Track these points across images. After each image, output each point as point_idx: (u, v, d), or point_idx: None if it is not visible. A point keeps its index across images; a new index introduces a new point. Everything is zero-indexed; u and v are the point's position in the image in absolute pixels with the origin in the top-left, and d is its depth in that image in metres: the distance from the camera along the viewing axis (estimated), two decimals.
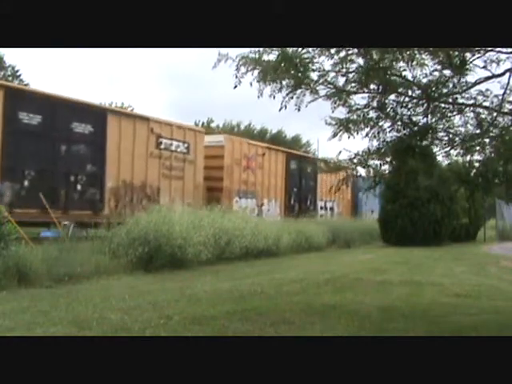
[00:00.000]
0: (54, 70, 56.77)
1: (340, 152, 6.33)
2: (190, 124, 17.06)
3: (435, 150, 6.42)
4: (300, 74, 5.35)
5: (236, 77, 5.24)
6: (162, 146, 14.91)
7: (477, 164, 6.21)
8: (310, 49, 5.23)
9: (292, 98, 5.50)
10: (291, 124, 58.74)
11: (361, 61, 5.44)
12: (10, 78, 31.21)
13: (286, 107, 5.50)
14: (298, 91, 5.51)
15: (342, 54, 5.29)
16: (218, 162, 17.38)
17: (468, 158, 6.28)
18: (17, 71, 33.23)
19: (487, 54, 5.35)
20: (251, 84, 5.31)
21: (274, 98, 5.41)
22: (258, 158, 19.15)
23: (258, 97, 5.37)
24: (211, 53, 5.28)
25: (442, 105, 6.10)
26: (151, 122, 14.60)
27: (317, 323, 5.84)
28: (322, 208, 23.76)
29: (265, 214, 19.20)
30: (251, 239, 12.89)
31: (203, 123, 43.68)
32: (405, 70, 5.62)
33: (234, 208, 16.41)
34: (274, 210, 19.85)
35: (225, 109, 57.19)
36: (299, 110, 5.59)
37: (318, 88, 5.60)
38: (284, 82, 5.37)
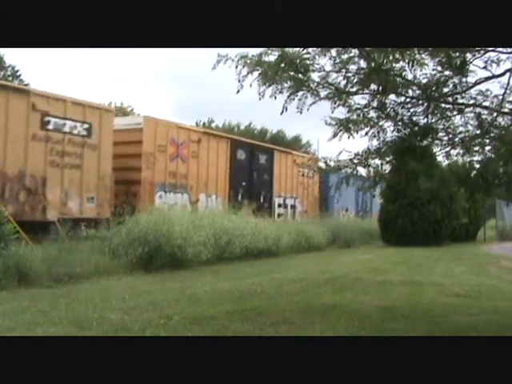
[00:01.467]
0: (53, 70, 56.78)
1: (340, 152, 6.33)
2: (94, 101, 13.45)
3: (435, 150, 6.42)
4: (301, 75, 5.35)
5: (238, 81, 5.24)
6: (50, 127, 11.76)
7: (477, 165, 6.20)
8: (311, 49, 5.23)
9: (293, 99, 5.50)
10: (295, 124, 58.78)
11: (362, 62, 5.44)
12: (10, 78, 31.22)
13: (286, 109, 5.50)
14: (300, 93, 5.51)
15: (344, 56, 5.29)
16: (136, 148, 14.08)
17: (468, 158, 6.28)
18: (17, 71, 33.24)
19: (487, 55, 5.35)
20: (251, 85, 5.31)
21: (276, 98, 5.41)
22: (193, 145, 15.74)
23: (260, 99, 5.38)
24: (214, 53, 5.29)
25: (443, 105, 6.10)
26: (33, 96, 11.41)
27: (317, 323, 5.84)
28: (280, 206, 20.17)
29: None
30: (251, 239, 12.89)
31: (204, 123, 43.68)
32: (405, 70, 5.62)
33: (156, 204, 13.79)
34: (214, 208, 16.13)
35: (228, 108, 57.15)
36: (301, 112, 5.59)
37: (318, 89, 5.60)
38: (285, 85, 5.37)
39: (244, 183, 18.36)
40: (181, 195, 15.35)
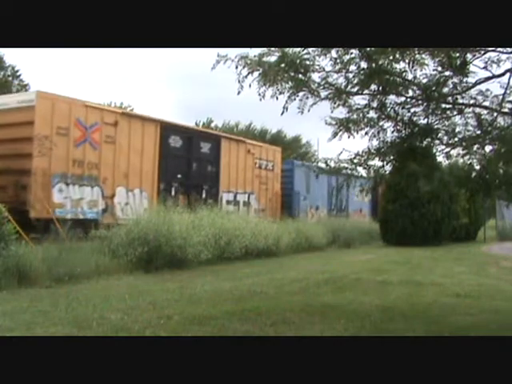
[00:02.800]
0: (53, 70, 56.75)
1: (341, 152, 6.32)
2: None
3: (435, 150, 6.42)
4: (301, 76, 5.35)
5: (238, 82, 5.24)
6: None
7: (477, 166, 6.20)
8: (311, 50, 5.23)
9: (294, 99, 5.50)
10: (295, 124, 58.70)
11: (363, 63, 5.44)
12: (10, 78, 31.21)
13: (287, 110, 5.50)
14: (301, 94, 5.51)
15: (345, 56, 5.29)
16: (27, 130, 11.46)
17: (468, 159, 6.28)
18: (17, 71, 33.22)
19: (487, 55, 5.35)
20: (250, 86, 5.31)
21: (277, 98, 5.41)
22: (107, 129, 13.08)
23: (260, 99, 5.38)
24: (215, 52, 5.29)
25: (443, 105, 6.09)
26: None
27: (317, 323, 5.84)
28: (229, 202, 17.17)
29: (120, 209, 13.35)
30: (251, 239, 12.89)
31: (203, 123, 43.69)
32: (405, 70, 5.62)
33: (54, 199, 11.68)
34: (138, 205, 13.61)
35: (231, 108, 56.98)
36: (302, 112, 5.59)
37: (319, 90, 5.60)
38: (286, 85, 5.37)
39: (179, 175, 15.38)
40: (90, 189, 12.66)
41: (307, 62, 5.33)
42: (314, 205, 21.96)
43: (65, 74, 56.36)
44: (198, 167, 16.16)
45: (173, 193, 14.94)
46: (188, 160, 15.80)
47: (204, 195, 16.14)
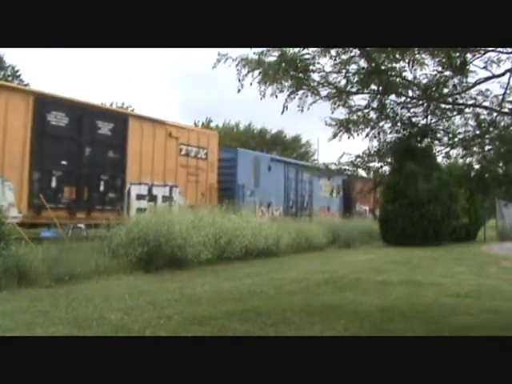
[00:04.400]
0: (53, 70, 56.72)
1: (341, 156, 6.32)
2: None
3: (435, 150, 6.42)
4: (301, 75, 5.36)
5: (239, 80, 5.25)
6: None
7: (476, 166, 6.21)
8: (311, 50, 5.23)
9: (294, 98, 5.51)
10: (299, 124, 58.66)
11: (362, 62, 5.44)
12: (10, 78, 31.21)
13: (287, 108, 5.51)
14: (300, 92, 5.51)
15: (345, 56, 5.29)
16: None
17: (468, 159, 6.29)
18: (17, 71, 33.23)
19: (487, 55, 5.35)
20: (251, 84, 5.31)
21: (277, 97, 5.41)
22: None
23: (261, 98, 5.38)
24: (216, 53, 5.29)
25: (442, 105, 6.10)
26: None
27: (317, 323, 5.84)
28: (142, 197, 14.24)
29: None
30: (251, 239, 12.89)
31: (203, 123, 43.69)
32: (405, 70, 5.62)
33: None
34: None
35: (232, 108, 57.00)
36: (302, 111, 5.59)
37: (319, 89, 5.61)
38: (286, 84, 5.37)
39: (64, 162, 12.35)
40: None
41: (307, 62, 5.33)
42: (266, 201, 18.78)
43: (65, 74, 56.36)
44: (94, 152, 12.91)
45: (53, 184, 12.05)
46: (78, 143, 12.63)
47: (102, 188, 13.19)
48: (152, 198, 14.55)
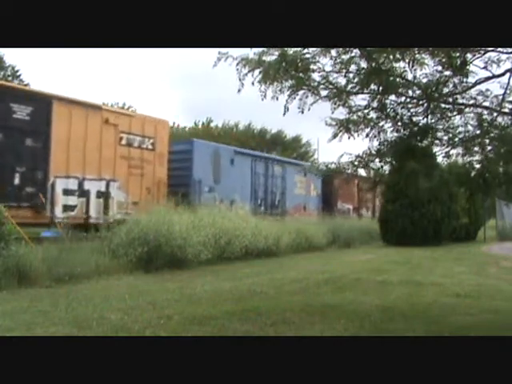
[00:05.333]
0: (53, 70, 56.72)
1: (342, 155, 6.32)
2: None
3: (435, 150, 6.43)
4: (301, 75, 5.36)
5: (239, 80, 5.25)
6: None
7: (477, 165, 6.21)
8: (311, 49, 5.23)
9: (294, 98, 5.51)
10: (300, 124, 58.66)
11: (363, 62, 5.44)
12: (10, 78, 31.21)
13: (288, 110, 5.51)
14: (301, 92, 5.52)
15: (345, 56, 5.29)
16: None
17: (468, 158, 6.29)
18: (17, 71, 33.22)
19: (487, 55, 5.35)
20: (253, 83, 5.31)
21: (277, 99, 5.42)
22: None
23: (262, 99, 5.38)
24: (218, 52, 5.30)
25: (442, 105, 6.10)
26: None
27: (317, 323, 5.84)
28: (69, 193, 12.26)
29: None
30: (251, 239, 12.89)
31: (203, 123, 43.69)
32: (405, 70, 5.62)
33: None
34: None
35: (235, 108, 56.97)
36: (302, 112, 5.60)
37: (319, 89, 5.61)
38: (286, 84, 5.38)
39: None
40: None
41: (307, 62, 5.33)
42: (228, 199, 16.40)
43: (65, 74, 56.36)
44: (6, 140, 11.11)
45: None
46: None
47: (18, 181, 11.36)
48: (83, 193, 12.52)
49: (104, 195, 13.00)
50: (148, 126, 14.30)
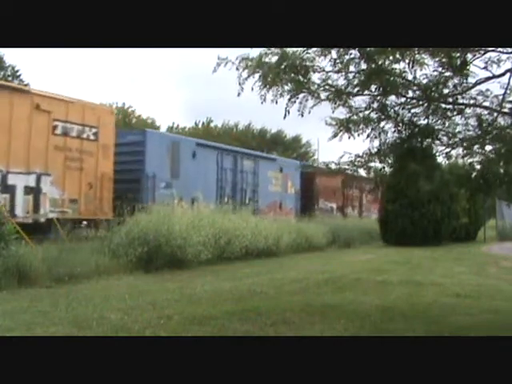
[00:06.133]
0: (53, 70, 56.72)
1: (342, 156, 6.32)
2: None
3: (436, 150, 6.42)
4: (301, 77, 5.36)
5: (239, 84, 5.26)
6: None
7: (477, 166, 6.21)
8: (311, 50, 5.23)
9: (294, 102, 5.51)
10: (300, 124, 58.57)
11: (362, 63, 5.44)
12: (10, 78, 31.21)
13: (289, 113, 5.51)
14: (301, 96, 5.52)
15: (345, 57, 5.29)
16: None
17: (468, 159, 6.29)
18: (17, 71, 33.22)
19: (487, 55, 5.35)
20: (252, 89, 5.32)
21: (277, 103, 5.42)
22: None
23: (262, 103, 5.39)
24: (220, 52, 5.31)
25: (443, 105, 6.09)
26: None
27: (317, 323, 5.84)
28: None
29: None
30: (251, 239, 12.88)
31: (203, 123, 43.70)
32: (405, 71, 5.62)
33: None
34: None
35: (238, 109, 56.86)
36: (302, 115, 5.60)
37: (319, 91, 5.61)
38: (286, 87, 5.38)
39: None
40: None
41: (307, 63, 5.33)
42: (189, 196, 14.73)
43: (65, 75, 56.36)
44: None
45: None
46: None
47: None
48: (7, 188, 10.70)
49: (34, 191, 11.22)
50: (89, 114, 12.49)
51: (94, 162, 12.53)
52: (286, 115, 5.53)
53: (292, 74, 5.32)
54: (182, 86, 63.58)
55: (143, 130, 15.94)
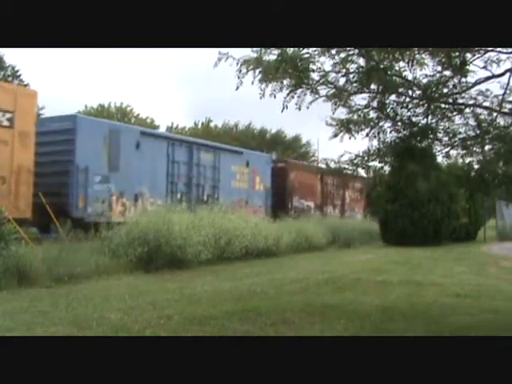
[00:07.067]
0: (53, 70, 56.70)
1: (342, 155, 6.32)
2: None
3: (435, 150, 6.42)
4: (301, 74, 5.36)
5: (238, 78, 5.25)
6: None
7: (476, 166, 6.21)
8: (311, 49, 5.23)
9: (293, 97, 5.51)
10: (300, 124, 58.55)
11: (361, 61, 5.45)
12: (10, 78, 31.20)
13: (287, 107, 5.51)
14: (299, 91, 5.51)
15: (343, 54, 5.29)
16: None
17: (468, 159, 6.29)
18: (17, 71, 33.20)
19: (487, 55, 5.35)
20: (252, 83, 5.31)
21: (275, 97, 5.42)
22: None
23: (261, 97, 5.38)
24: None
25: (442, 105, 6.10)
26: None
27: (317, 323, 5.84)
28: None
29: None
30: (251, 239, 12.88)
31: (202, 123, 43.69)
32: (405, 70, 5.62)
33: None
34: None
35: (236, 108, 56.86)
36: (300, 109, 5.59)
37: (318, 88, 5.61)
38: (285, 82, 5.38)
39: None
40: None
41: (307, 61, 5.32)
42: (131, 192, 13.59)
43: (65, 75, 56.35)
44: None
45: None
46: None
47: None
48: None
49: None
50: (3, 97, 10.65)
51: (9, 152, 10.62)
52: (283, 109, 5.52)
53: (292, 72, 5.32)
54: (183, 86, 63.68)
55: (73, 115, 13.74)
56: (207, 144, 17.89)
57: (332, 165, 6.44)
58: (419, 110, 6.15)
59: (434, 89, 5.77)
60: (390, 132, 6.27)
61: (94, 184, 12.72)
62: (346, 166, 6.38)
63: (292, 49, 5.18)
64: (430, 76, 5.71)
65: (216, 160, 16.90)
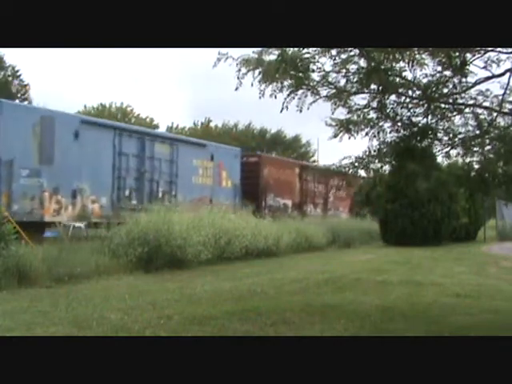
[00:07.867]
0: (53, 70, 56.67)
1: (343, 158, 6.31)
2: None
3: (435, 150, 6.42)
4: (301, 75, 5.36)
5: (238, 78, 5.26)
6: None
7: (476, 166, 6.21)
8: (311, 49, 5.23)
9: (293, 98, 5.51)
10: (300, 124, 58.51)
11: (362, 62, 5.44)
12: (10, 78, 31.21)
13: (287, 108, 5.51)
14: (300, 92, 5.51)
15: (344, 55, 5.29)
16: None
17: (468, 159, 6.29)
18: (17, 71, 33.22)
19: (487, 55, 5.35)
20: (252, 84, 5.31)
21: (276, 97, 5.42)
22: None
23: (260, 97, 5.38)
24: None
25: (442, 105, 6.10)
26: None
27: (317, 323, 5.84)
28: None
29: None
30: (251, 239, 12.88)
31: (202, 123, 43.69)
32: (405, 70, 5.62)
33: None
34: None
35: (236, 108, 56.77)
36: (301, 111, 5.59)
37: (318, 88, 5.61)
38: (285, 83, 5.38)
39: None
40: None
41: (307, 61, 5.32)
42: (68, 187, 12.30)
43: (65, 75, 56.33)
44: None
45: None
46: None
47: None
48: None
49: None
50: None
51: None
52: (282, 109, 5.52)
53: (292, 72, 5.32)
54: (183, 86, 63.66)
55: None
56: (162, 135, 16.50)
57: (333, 167, 6.44)
58: (419, 110, 6.15)
59: (433, 89, 5.77)
60: (390, 132, 6.28)
61: (20, 178, 11.27)
62: (347, 168, 6.37)
63: (292, 49, 5.18)
64: (430, 76, 5.70)
65: (174, 153, 15.28)
